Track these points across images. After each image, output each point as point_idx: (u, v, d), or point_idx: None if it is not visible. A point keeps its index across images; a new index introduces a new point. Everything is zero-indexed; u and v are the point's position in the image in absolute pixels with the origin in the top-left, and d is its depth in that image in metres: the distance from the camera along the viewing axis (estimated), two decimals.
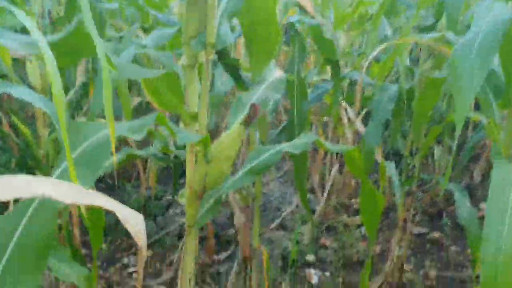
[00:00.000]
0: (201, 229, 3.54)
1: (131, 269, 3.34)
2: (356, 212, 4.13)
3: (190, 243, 1.23)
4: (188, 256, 1.23)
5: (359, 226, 3.90)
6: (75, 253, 2.46)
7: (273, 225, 3.82)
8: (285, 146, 1.32)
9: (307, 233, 3.67)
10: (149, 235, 3.71)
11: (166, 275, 3.19)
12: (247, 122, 1.11)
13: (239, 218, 2.44)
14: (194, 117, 1.20)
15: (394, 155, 4.85)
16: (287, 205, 4.06)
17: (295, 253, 3.24)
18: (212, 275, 3.26)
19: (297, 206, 4.05)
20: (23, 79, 3.02)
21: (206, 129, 1.17)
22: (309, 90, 2.52)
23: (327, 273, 3.31)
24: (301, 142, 1.34)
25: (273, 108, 2.51)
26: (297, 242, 3.54)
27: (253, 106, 1.09)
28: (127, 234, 3.78)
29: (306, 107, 2.13)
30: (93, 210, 1.38)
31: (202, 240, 3.49)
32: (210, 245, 3.32)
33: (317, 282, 3.20)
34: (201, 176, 1.16)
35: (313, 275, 3.26)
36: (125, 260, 3.44)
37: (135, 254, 3.54)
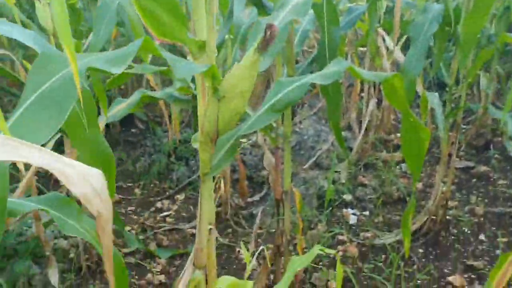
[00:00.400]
0: (233, 171, 3.43)
1: (164, 213, 3.30)
2: (396, 147, 3.92)
3: (207, 192, 1.08)
4: (205, 205, 1.09)
5: (399, 162, 3.71)
6: None
7: (307, 164, 3.67)
8: (313, 77, 1.12)
9: (344, 172, 3.51)
10: (181, 179, 3.64)
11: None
12: (262, 47, 0.92)
13: (268, 160, 2.29)
14: (202, 47, 1.02)
15: (437, 86, 4.55)
16: (322, 143, 3.89)
17: (331, 192, 3.10)
18: (246, 217, 3.18)
19: (332, 144, 3.87)
20: (36, 22, 2.87)
21: (215, 59, 0.99)
22: (341, 18, 2.27)
23: (366, 212, 3.17)
24: (331, 71, 1.14)
25: (302, 38, 2.29)
26: (333, 181, 3.40)
27: (269, 26, 0.90)
28: (159, 178, 3.72)
29: (337, 34, 1.90)
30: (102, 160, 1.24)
31: (234, 182, 3.39)
32: (243, 187, 3.22)
33: (356, 221, 3.07)
34: (213, 116, 0.99)
35: (351, 214, 3.13)
36: (159, 205, 3.39)
37: (168, 198, 3.49)
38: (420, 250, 2.72)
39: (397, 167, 3.64)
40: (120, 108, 1.61)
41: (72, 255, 2.73)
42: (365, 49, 3.67)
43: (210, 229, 1.17)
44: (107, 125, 4.45)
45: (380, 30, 3.31)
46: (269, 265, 2.31)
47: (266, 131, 1.99)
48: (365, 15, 2.63)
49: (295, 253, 2.52)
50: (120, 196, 3.54)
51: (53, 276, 2.50)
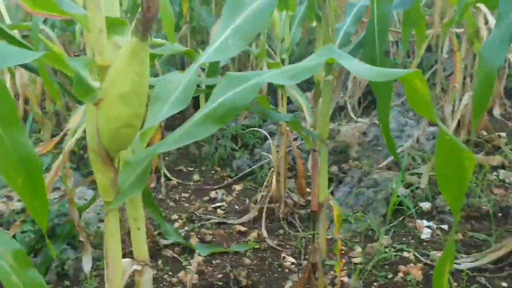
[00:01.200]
0: (292, 162, 3.08)
1: (217, 204, 3.07)
2: (494, 149, 3.29)
3: (111, 229, 0.78)
4: (112, 247, 0.80)
5: (496, 167, 3.10)
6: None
7: (384, 163, 3.21)
8: (271, 75, 0.76)
9: (425, 175, 3.00)
10: (242, 167, 3.39)
11: (250, 215, 2.85)
12: (141, 27, 0.59)
13: (311, 162, 1.93)
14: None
15: None
16: (406, 139, 3.38)
17: (396, 199, 2.64)
18: (302, 218, 2.84)
19: (418, 140, 3.35)
20: None
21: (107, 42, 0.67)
22: None
23: (444, 226, 2.66)
24: (303, 66, 0.78)
25: (357, 16, 1.88)
26: (410, 185, 2.92)
27: None
28: (220, 165, 3.51)
29: (389, 10, 1.47)
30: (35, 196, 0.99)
31: (293, 178, 3.06)
32: (301, 185, 2.87)
33: (429, 237, 2.59)
34: (92, 127, 0.69)
35: (425, 227, 2.65)
36: (213, 194, 3.18)
37: (224, 187, 3.26)
38: (504, 284, 2.19)
39: (492, 173, 3.04)
40: None
41: None
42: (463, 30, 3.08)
43: (137, 270, 0.88)
44: None
45: (482, 6, 2.71)
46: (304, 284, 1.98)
47: (297, 129, 1.63)
48: None
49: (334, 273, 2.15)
50: (178, 180, 3.38)
51: (86, 264, 2.39)
